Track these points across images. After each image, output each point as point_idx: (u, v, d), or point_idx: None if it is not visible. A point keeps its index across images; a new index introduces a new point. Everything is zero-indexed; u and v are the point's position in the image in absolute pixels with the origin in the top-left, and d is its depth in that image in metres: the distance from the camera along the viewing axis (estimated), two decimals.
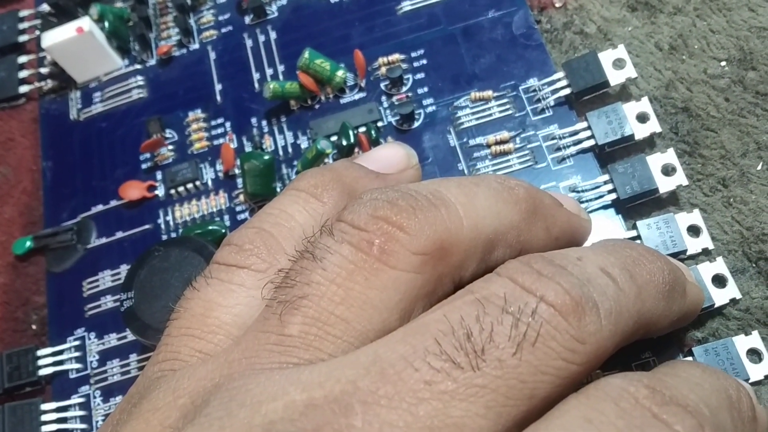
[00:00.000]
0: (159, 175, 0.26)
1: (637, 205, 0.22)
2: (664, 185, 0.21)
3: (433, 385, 0.13)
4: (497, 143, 0.23)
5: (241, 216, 0.25)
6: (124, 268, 0.25)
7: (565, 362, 0.13)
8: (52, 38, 0.26)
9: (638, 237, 0.21)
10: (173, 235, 0.25)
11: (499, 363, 0.13)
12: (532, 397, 0.13)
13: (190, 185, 0.25)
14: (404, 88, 0.25)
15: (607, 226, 0.22)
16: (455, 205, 0.15)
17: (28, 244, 0.26)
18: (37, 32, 0.29)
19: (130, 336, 0.23)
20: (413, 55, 0.25)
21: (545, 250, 0.16)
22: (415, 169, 0.20)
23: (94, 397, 0.23)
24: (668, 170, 0.21)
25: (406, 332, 0.14)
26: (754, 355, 0.19)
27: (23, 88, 0.29)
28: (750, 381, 0.19)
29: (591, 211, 0.22)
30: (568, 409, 0.13)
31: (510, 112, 0.24)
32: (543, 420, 0.13)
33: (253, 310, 0.16)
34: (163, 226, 0.25)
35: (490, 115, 0.24)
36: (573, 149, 0.23)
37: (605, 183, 0.22)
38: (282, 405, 0.13)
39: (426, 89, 0.25)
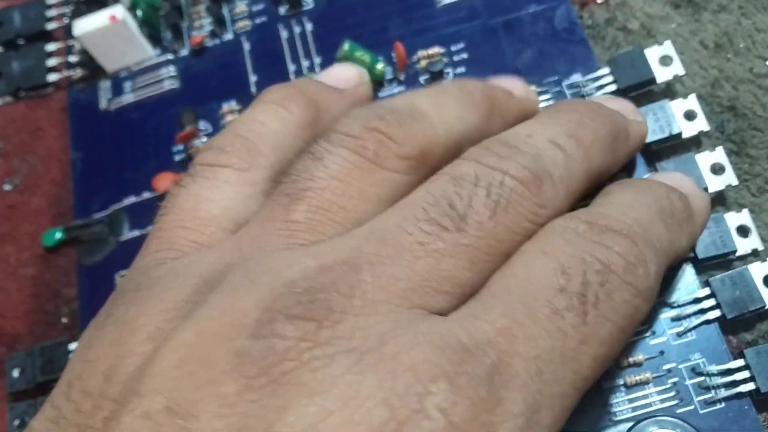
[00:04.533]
0: None
1: None
2: (714, 184, 0.21)
3: (426, 245, 0.15)
4: None
5: None
6: None
7: (530, 223, 0.16)
8: (84, 26, 0.26)
9: None
10: None
11: (479, 225, 0.15)
12: (507, 254, 0.16)
13: None
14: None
15: None
16: (430, 117, 0.18)
17: (59, 235, 0.25)
18: (66, 20, 0.29)
19: None
20: (453, 48, 0.25)
21: None
22: (367, 85, 0.22)
23: None
24: (717, 170, 0.21)
25: (395, 208, 0.16)
26: None
27: (51, 77, 0.28)
28: None
29: None
30: (526, 249, 0.16)
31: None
32: (508, 261, 0.16)
33: (239, 205, 0.17)
34: None
35: None
36: None
37: None
38: (298, 270, 0.14)
39: None
